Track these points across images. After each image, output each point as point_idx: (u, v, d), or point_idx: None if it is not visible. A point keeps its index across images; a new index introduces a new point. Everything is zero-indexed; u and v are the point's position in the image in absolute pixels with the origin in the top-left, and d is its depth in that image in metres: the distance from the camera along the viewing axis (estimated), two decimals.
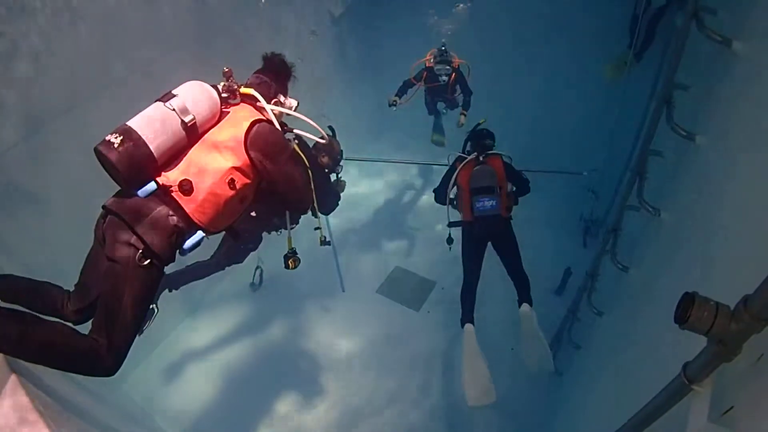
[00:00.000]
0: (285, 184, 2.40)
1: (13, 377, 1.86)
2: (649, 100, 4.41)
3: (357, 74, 7.07)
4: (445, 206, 4.08)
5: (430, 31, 5.49)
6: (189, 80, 2.22)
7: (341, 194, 3.84)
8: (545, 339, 3.81)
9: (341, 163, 3.83)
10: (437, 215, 4.14)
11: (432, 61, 5.19)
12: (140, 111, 2.06)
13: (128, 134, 1.94)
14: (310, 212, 3.32)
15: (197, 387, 4.46)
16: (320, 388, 4.49)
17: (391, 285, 5.51)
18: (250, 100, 2.42)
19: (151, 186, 2.02)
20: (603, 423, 2.07)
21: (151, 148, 1.97)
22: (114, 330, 1.91)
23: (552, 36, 5.87)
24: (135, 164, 1.95)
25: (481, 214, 3.76)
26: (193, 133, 2.12)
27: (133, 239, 1.96)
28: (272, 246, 3.28)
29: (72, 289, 2.18)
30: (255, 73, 2.64)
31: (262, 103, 2.41)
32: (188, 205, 2.08)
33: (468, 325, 3.81)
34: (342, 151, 3.81)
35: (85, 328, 1.99)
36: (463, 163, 3.88)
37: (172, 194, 2.05)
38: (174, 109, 2.05)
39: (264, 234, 3.76)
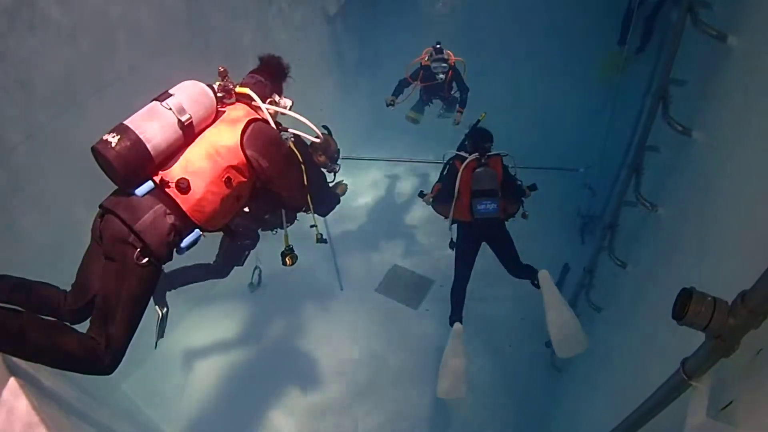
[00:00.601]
0: (280, 182, 2.42)
1: (12, 380, 1.86)
2: (645, 95, 4.42)
3: (352, 73, 7.06)
4: (441, 207, 4.01)
5: (425, 28, 5.48)
6: (185, 80, 2.22)
7: (342, 197, 3.82)
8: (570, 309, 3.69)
9: (339, 163, 3.82)
10: (435, 213, 4.12)
11: (428, 59, 5.16)
12: (137, 110, 2.07)
13: (125, 133, 1.94)
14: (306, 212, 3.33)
15: (196, 387, 4.45)
16: (319, 387, 4.49)
17: (389, 283, 5.50)
18: (246, 99, 2.44)
19: (149, 185, 2.03)
20: (602, 419, 2.07)
21: (149, 147, 1.97)
22: (112, 328, 1.91)
23: (547, 32, 5.88)
24: (132, 163, 1.95)
25: (482, 216, 3.75)
26: (189, 132, 2.13)
27: (131, 238, 1.96)
28: (270, 246, 3.28)
29: (69, 288, 2.18)
30: (250, 72, 2.65)
31: (258, 102, 2.43)
32: (185, 203, 2.08)
33: (457, 324, 3.84)
34: (339, 149, 3.80)
35: (82, 327, 1.98)
36: (465, 163, 3.82)
37: (170, 193, 2.06)
38: (171, 109, 2.05)
39: (261, 233, 3.75)
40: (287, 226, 3.27)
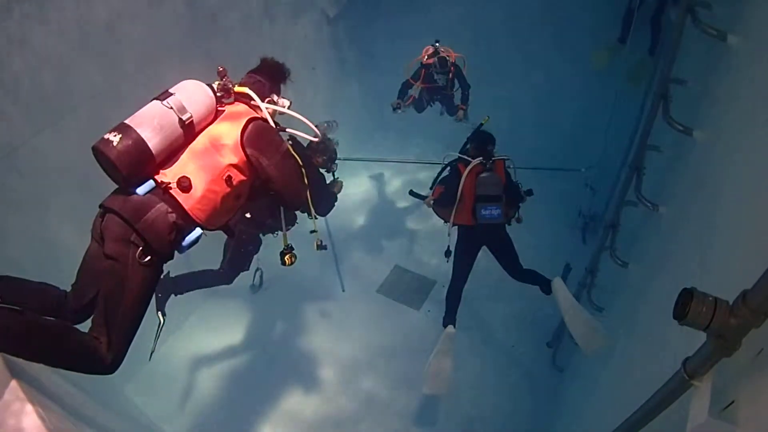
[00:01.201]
0: (280, 180, 2.43)
1: (13, 382, 1.86)
2: (646, 95, 4.41)
3: (353, 74, 7.06)
4: (443, 210, 4.00)
5: (425, 30, 5.47)
6: (185, 79, 2.24)
7: (338, 195, 3.83)
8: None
9: (336, 162, 3.83)
10: (436, 214, 4.11)
11: (431, 57, 5.14)
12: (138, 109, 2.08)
13: (127, 132, 1.95)
14: (306, 215, 3.33)
15: (198, 388, 4.45)
16: (321, 388, 4.49)
17: (391, 284, 5.50)
18: (245, 98, 2.45)
19: (150, 184, 2.04)
20: (604, 419, 2.07)
21: (150, 146, 1.98)
22: (114, 328, 1.92)
23: (548, 32, 5.88)
24: (134, 162, 1.96)
25: (486, 222, 3.72)
26: (190, 131, 2.15)
27: (133, 237, 1.97)
28: (272, 248, 3.30)
29: (69, 289, 2.18)
30: (249, 72, 2.68)
31: (257, 101, 2.44)
32: (187, 202, 2.10)
33: (450, 327, 3.88)
34: (336, 150, 3.81)
35: (83, 327, 1.99)
36: (469, 167, 3.78)
37: (171, 191, 2.07)
38: (172, 108, 2.07)
39: (262, 236, 3.77)
40: (288, 229, 3.29)
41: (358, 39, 6.93)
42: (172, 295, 3.66)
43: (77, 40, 3.32)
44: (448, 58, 5.11)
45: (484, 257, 4.04)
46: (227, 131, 2.24)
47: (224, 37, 4.55)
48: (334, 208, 3.86)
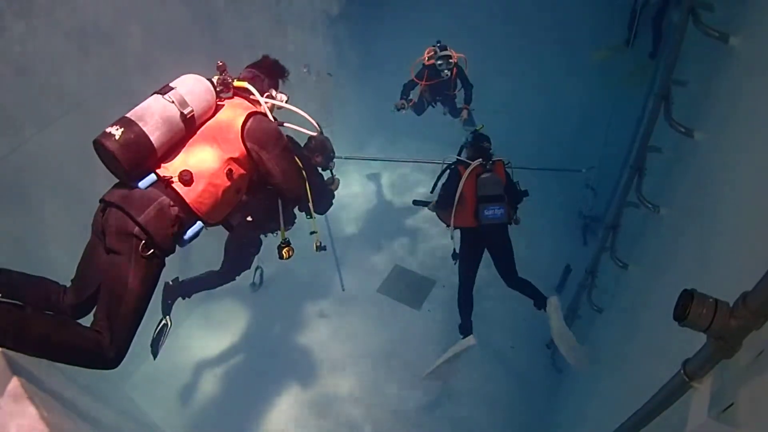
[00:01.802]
0: (279, 174, 2.45)
1: (13, 379, 1.86)
2: (648, 96, 4.41)
3: (354, 73, 7.06)
4: (445, 213, 3.98)
5: (427, 29, 5.47)
6: (185, 74, 2.26)
7: (336, 192, 3.84)
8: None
9: (334, 161, 3.84)
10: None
11: (432, 58, 5.14)
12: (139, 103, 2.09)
13: (129, 126, 1.97)
14: (305, 215, 3.36)
15: (198, 387, 4.46)
16: (320, 387, 4.49)
17: (391, 284, 5.51)
18: (244, 93, 2.48)
19: (151, 177, 2.05)
20: (603, 420, 2.07)
21: (152, 139, 2.00)
22: (117, 321, 1.92)
23: (550, 33, 5.87)
24: (136, 156, 1.97)
25: (490, 222, 3.73)
26: (191, 125, 2.17)
27: (136, 230, 1.98)
28: (272, 247, 3.31)
29: (68, 284, 2.18)
30: (248, 67, 2.71)
31: (257, 96, 2.47)
32: (188, 195, 2.11)
33: (471, 338, 3.88)
34: (333, 149, 3.82)
35: (83, 322, 1.98)
36: (469, 168, 3.80)
37: (173, 185, 2.08)
38: (173, 102, 2.09)
39: (263, 236, 3.77)
40: (287, 229, 3.29)
41: (359, 38, 6.93)
42: (180, 298, 3.70)
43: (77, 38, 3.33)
44: (450, 54, 5.11)
45: (482, 258, 4.04)
46: (228, 125, 2.27)
47: (225, 37, 4.55)
48: (332, 206, 3.87)
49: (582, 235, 5.75)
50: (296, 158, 2.74)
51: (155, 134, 2.00)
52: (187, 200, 2.11)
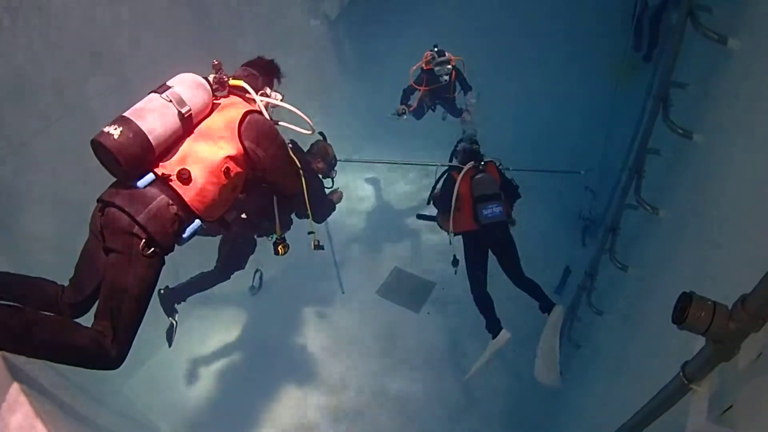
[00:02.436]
0: (276, 172, 2.48)
1: (13, 382, 1.86)
2: (646, 98, 4.41)
3: (354, 76, 7.07)
4: (443, 220, 4.00)
5: (426, 32, 5.48)
6: (181, 72, 2.26)
7: (337, 204, 3.85)
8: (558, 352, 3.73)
9: (336, 169, 3.84)
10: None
11: (431, 63, 5.13)
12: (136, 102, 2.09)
13: (127, 125, 1.97)
14: (301, 217, 3.35)
15: (197, 390, 4.46)
16: (319, 390, 4.48)
17: (390, 286, 5.50)
18: (239, 91, 2.48)
19: (150, 176, 2.05)
20: (602, 422, 2.07)
21: (150, 138, 2.00)
22: (119, 320, 1.92)
23: (550, 35, 5.89)
24: (134, 154, 1.97)
25: (489, 221, 3.72)
26: (188, 124, 2.17)
27: (135, 229, 1.98)
28: (271, 251, 3.32)
29: (66, 284, 2.18)
30: (243, 65, 2.71)
31: (252, 94, 2.47)
32: (187, 193, 2.12)
33: (504, 332, 3.78)
34: (335, 156, 3.81)
35: (82, 322, 1.97)
36: (462, 172, 3.82)
37: (171, 184, 2.09)
38: (171, 101, 2.09)
39: (260, 239, 3.77)
40: (284, 231, 3.30)
41: (359, 40, 6.94)
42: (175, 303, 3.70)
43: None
44: (448, 58, 5.10)
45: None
46: (224, 124, 2.27)
47: (225, 38, 4.56)
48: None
49: (581, 237, 5.74)
50: (294, 158, 2.74)
51: (153, 133, 2.01)
52: (186, 199, 2.11)
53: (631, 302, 3.10)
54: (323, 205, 3.66)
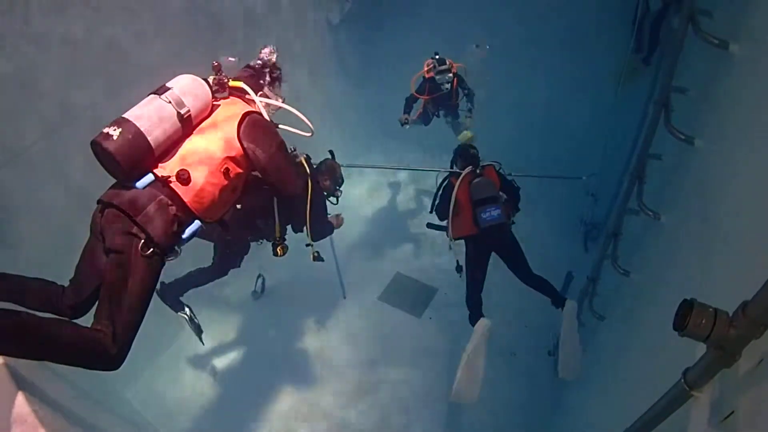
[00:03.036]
0: (275, 172, 2.48)
1: (13, 385, 1.87)
2: (648, 103, 4.41)
3: (356, 81, 7.08)
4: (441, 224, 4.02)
5: (428, 36, 5.48)
6: (181, 74, 2.28)
7: (336, 229, 3.90)
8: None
9: (341, 189, 3.85)
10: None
11: (432, 71, 5.11)
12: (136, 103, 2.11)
13: (126, 126, 1.98)
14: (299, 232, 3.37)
15: (199, 394, 4.45)
16: (321, 395, 4.48)
17: (392, 292, 5.49)
18: (239, 93, 2.50)
19: (149, 177, 2.07)
20: (604, 428, 2.06)
21: (149, 139, 2.02)
22: (119, 320, 1.92)
23: (552, 40, 5.89)
24: (133, 155, 1.99)
25: (488, 224, 3.70)
26: (187, 125, 2.19)
27: (135, 229, 1.99)
28: (273, 257, 3.33)
29: (66, 284, 2.18)
30: (243, 67, 2.72)
31: (252, 95, 2.49)
32: (186, 194, 2.13)
33: (483, 320, 3.66)
34: (342, 176, 3.84)
35: (81, 322, 1.97)
36: (461, 177, 3.83)
37: (171, 185, 2.10)
38: (170, 102, 2.11)
39: (258, 243, 3.76)
40: (283, 232, 3.31)
41: (361, 45, 6.96)
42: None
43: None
44: (449, 66, 5.09)
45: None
46: (224, 125, 2.29)
47: (227, 42, 4.58)
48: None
49: (583, 242, 5.73)
50: (292, 159, 2.74)
51: (153, 134, 2.02)
52: (185, 199, 2.12)
53: (633, 307, 3.09)
54: (323, 224, 3.68)
